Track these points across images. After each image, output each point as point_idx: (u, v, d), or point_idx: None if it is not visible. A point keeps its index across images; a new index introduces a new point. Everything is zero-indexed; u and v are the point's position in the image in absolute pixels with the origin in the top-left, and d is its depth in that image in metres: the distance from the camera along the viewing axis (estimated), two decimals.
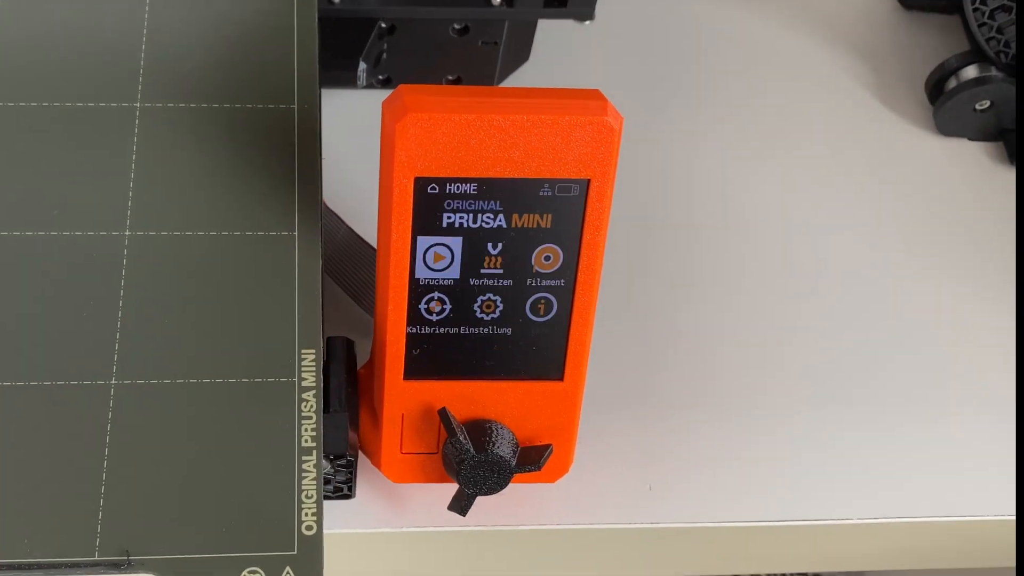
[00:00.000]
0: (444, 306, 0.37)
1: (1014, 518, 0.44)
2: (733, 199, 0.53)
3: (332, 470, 0.39)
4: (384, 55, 0.53)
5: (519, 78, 0.56)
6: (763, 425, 0.45)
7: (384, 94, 0.54)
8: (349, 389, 0.39)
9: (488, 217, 0.35)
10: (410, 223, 0.35)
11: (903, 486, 0.45)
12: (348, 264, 0.46)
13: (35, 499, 0.35)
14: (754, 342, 0.48)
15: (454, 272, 0.36)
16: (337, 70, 0.51)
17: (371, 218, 0.47)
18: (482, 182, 0.35)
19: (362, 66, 0.51)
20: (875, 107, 0.57)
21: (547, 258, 0.36)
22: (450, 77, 0.55)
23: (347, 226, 0.46)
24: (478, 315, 0.37)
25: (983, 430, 0.47)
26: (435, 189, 0.35)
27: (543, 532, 0.42)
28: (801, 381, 0.47)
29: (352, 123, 0.53)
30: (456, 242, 0.36)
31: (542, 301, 0.37)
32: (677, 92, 0.57)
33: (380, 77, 0.54)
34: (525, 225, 0.36)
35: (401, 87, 0.34)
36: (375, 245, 0.45)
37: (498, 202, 0.35)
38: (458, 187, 0.35)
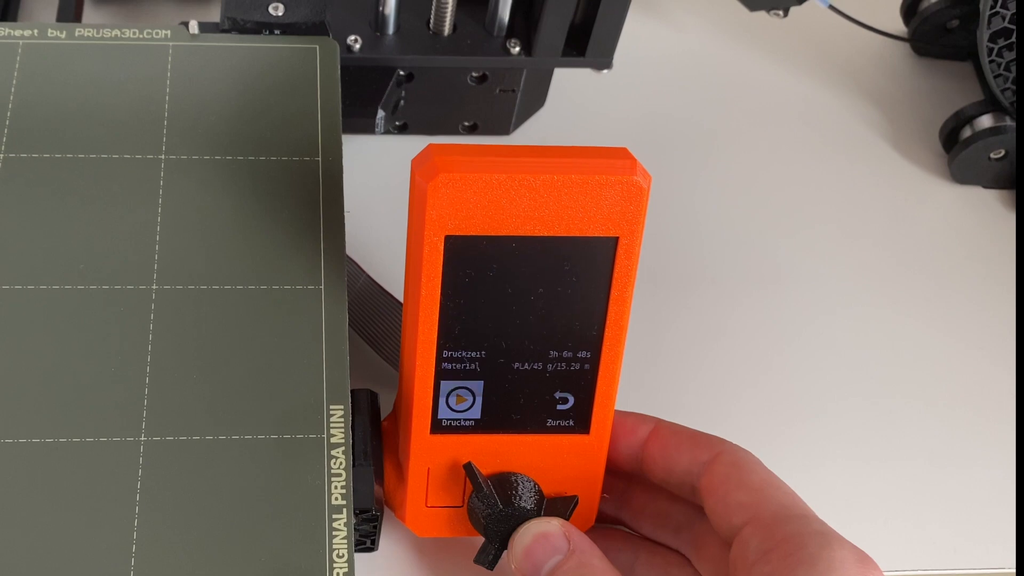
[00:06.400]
0: (472, 365, 0.37)
1: (1014, 572, 0.45)
2: (747, 247, 0.53)
3: (356, 523, 0.39)
4: (402, 102, 0.53)
5: (535, 123, 0.56)
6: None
7: (400, 140, 0.55)
8: (374, 443, 0.39)
9: (517, 275, 0.35)
10: (439, 281, 0.35)
11: (898, 539, 0.45)
12: (368, 313, 0.46)
13: (66, 557, 0.35)
14: (771, 391, 0.49)
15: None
16: (355, 117, 0.51)
17: (390, 265, 0.47)
18: (511, 240, 0.35)
19: (380, 113, 0.51)
20: (889, 154, 0.57)
21: (575, 315, 0.36)
22: (466, 123, 0.55)
23: (366, 274, 0.46)
24: (504, 378, 0.37)
25: (988, 483, 0.47)
26: (465, 247, 0.35)
27: None
28: (812, 429, 0.48)
29: (369, 169, 0.53)
30: (485, 299, 0.36)
31: (569, 358, 0.37)
32: (690, 139, 0.57)
33: (397, 123, 0.54)
34: (554, 282, 0.36)
35: (431, 146, 0.34)
36: (394, 293, 0.45)
37: (526, 259, 0.35)
38: (487, 245, 0.35)
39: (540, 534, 0.37)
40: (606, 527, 0.41)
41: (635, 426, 0.40)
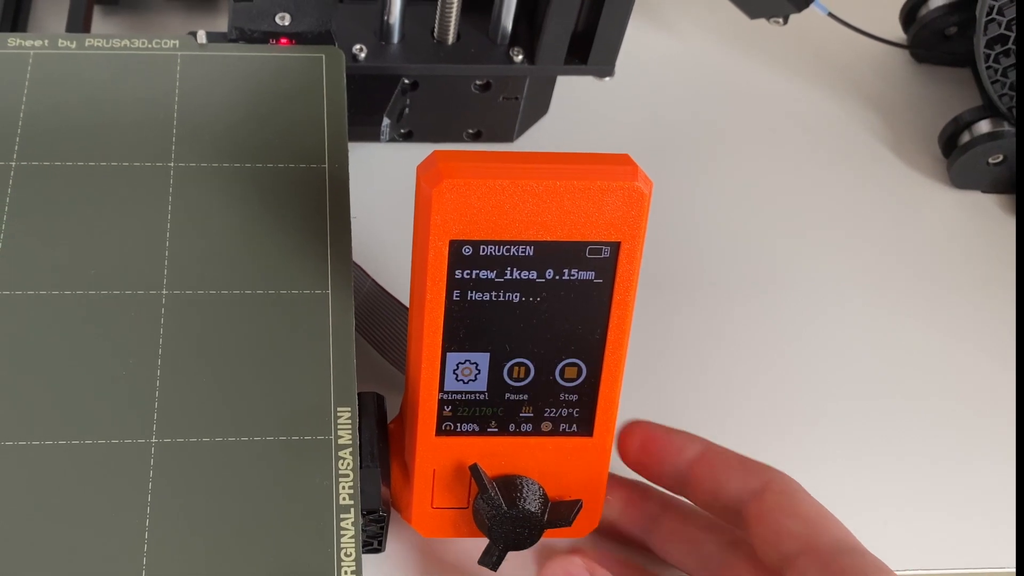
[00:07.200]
0: (476, 368, 0.38)
1: (1014, 571, 0.45)
2: (748, 252, 0.54)
3: (363, 524, 0.40)
4: (407, 110, 0.54)
5: (538, 130, 0.56)
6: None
7: (405, 147, 0.55)
8: (381, 444, 0.40)
9: (520, 279, 0.36)
10: (444, 285, 0.36)
11: (898, 539, 0.46)
12: (374, 317, 0.46)
13: (78, 558, 0.35)
14: (772, 393, 0.49)
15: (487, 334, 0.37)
16: (361, 125, 0.51)
17: (395, 271, 0.48)
18: (515, 245, 0.35)
19: (385, 121, 0.52)
20: (889, 159, 0.58)
21: (578, 319, 0.37)
22: (470, 131, 0.55)
23: (372, 279, 0.47)
24: (508, 381, 0.38)
25: (988, 483, 0.47)
26: (469, 251, 0.35)
27: None
28: (812, 431, 0.48)
29: (375, 176, 0.53)
30: (489, 303, 0.36)
31: (572, 364, 0.38)
32: (691, 145, 0.57)
33: (402, 131, 0.55)
34: (556, 287, 0.36)
35: (436, 153, 0.35)
36: (399, 298, 0.46)
37: (530, 264, 0.36)
38: (492, 249, 0.35)
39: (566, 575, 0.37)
40: (624, 557, 0.42)
41: (683, 446, 0.40)
